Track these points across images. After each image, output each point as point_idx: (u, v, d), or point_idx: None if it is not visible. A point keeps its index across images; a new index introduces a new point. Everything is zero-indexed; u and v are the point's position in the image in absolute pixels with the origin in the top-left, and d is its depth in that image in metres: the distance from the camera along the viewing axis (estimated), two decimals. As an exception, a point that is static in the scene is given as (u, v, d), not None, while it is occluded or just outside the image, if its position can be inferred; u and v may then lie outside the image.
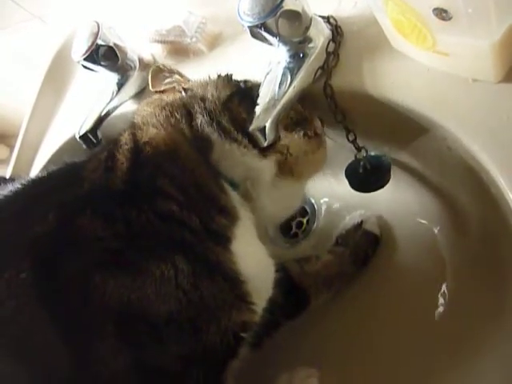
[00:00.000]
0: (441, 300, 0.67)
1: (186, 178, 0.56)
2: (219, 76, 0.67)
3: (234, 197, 0.60)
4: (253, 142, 0.60)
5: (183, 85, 0.68)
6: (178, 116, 0.61)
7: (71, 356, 0.49)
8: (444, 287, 0.68)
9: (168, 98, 0.66)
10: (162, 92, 0.71)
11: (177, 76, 0.72)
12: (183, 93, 0.65)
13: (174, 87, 0.69)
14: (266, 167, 0.62)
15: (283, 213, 0.73)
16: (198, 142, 0.59)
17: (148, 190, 0.55)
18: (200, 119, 0.60)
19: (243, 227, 0.59)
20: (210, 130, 0.59)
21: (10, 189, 0.58)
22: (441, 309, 0.67)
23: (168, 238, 0.53)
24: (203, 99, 0.62)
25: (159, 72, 0.74)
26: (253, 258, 0.58)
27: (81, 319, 0.50)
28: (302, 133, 0.65)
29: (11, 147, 1.57)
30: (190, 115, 0.61)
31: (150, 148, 0.57)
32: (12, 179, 0.87)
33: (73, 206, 0.54)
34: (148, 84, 0.87)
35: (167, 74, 0.73)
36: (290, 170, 0.65)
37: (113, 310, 0.50)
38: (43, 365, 0.50)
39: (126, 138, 0.60)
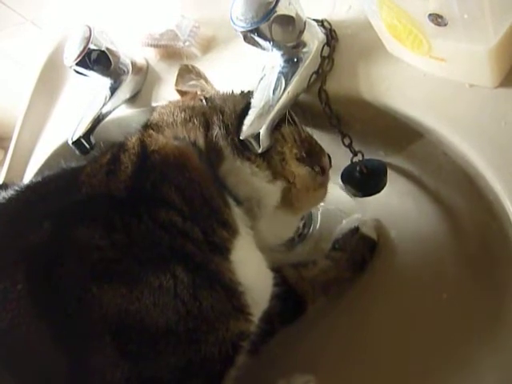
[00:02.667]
0: (438, 304, 0.67)
1: (193, 190, 0.55)
2: (241, 92, 0.66)
3: (237, 212, 0.59)
4: (267, 161, 0.60)
5: (205, 93, 0.68)
6: (196, 122, 0.60)
7: (68, 368, 0.48)
8: (442, 291, 0.67)
9: (190, 102, 0.65)
10: (183, 93, 0.70)
11: (202, 81, 0.71)
12: (204, 102, 0.65)
13: (196, 92, 0.68)
14: (273, 191, 0.62)
15: (274, 240, 0.71)
16: (210, 153, 0.59)
17: (152, 197, 0.54)
18: (216, 131, 0.60)
19: (243, 240, 0.58)
20: (224, 143, 0.59)
21: (2, 195, 0.57)
22: (438, 313, 0.66)
23: (169, 248, 0.52)
24: (222, 112, 0.62)
25: (187, 72, 0.73)
26: (252, 269, 0.58)
27: (78, 330, 0.49)
28: (310, 167, 0.65)
29: (6, 149, 1.56)
30: (207, 125, 0.60)
31: (159, 156, 0.56)
32: (5, 185, 0.86)
33: (69, 213, 0.53)
34: (141, 88, 0.88)
35: (194, 77, 0.72)
36: (290, 202, 0.64)
37: (110, 321, 0.49)
38: (40, 377, 0.49)
39: (133, 142, 0.59)
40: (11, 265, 0.50)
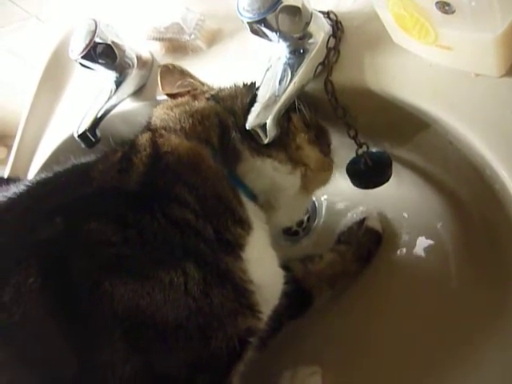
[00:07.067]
0: (444, 297, 0.67)
1: (206, 190, 0.55)
2: (245, 84, 0.67)
3: (250, 208, 0.60)
4: (286, 154, 0.62)
5: (200, 90, 0.68)
6: (207, 124, 0.60)
7: (79, 361, 0.48)
8: (447, 283, 0.68)
9: (199, 104, 0.64)
10: (175, 95, 0.69)
11: (189, 79, 0.71)
12: (212, 101, 0.64)
13: (189, 91, 0.68)
14: (294, 181, 0.64)
15: (287, 223, 0.74)
16: (226, 153, 0.59)
17: (164, 195, 0.54)
18: (233, 135, 0.60)
19: (257, 236, 0.58)
20: (241, 147, 0.60)
21: (13, 190, 0.56)
22: (444, 306, 0.66)
23: (180, 245, 0.52)
24: (234, 113, 0.62)
25: (169, 73, 0.72)
26: (264, 267, 0.58)
27: (89, 324, 0.49)
28: (321, 146, 0.67)
29: (9, 147, 1.57)
30: (222, 127, 0.61)
31: (172, 157, 0.56)
32: (14, 180, 0.86)
33: (81, 208, 0.53)
34: (146, 82, 0.88)
35: (178, 76, 0.71)
36: (306, 184, 0.66)
37: (121, 316, 0.49)
38: (51, 371, 0.49)
39: (144, 143, 0.58)
40: (23, 259, 0.49)
